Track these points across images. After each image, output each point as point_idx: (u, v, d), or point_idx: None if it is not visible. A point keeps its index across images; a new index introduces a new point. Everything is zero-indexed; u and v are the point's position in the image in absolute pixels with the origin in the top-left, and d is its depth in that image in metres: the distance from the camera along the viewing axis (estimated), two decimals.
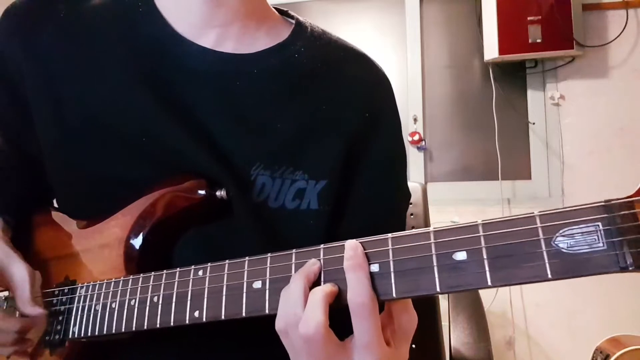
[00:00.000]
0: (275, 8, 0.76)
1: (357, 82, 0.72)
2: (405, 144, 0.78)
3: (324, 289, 0.46)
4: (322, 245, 0.48)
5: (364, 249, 0.46)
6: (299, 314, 0.45)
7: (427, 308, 1.31)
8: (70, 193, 0.70)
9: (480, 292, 2.25)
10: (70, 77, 0.67)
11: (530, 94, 2.58)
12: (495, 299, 2.41)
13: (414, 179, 2.59)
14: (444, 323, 1.32)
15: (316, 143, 0.67)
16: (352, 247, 0.46)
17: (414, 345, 1.20)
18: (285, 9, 0.78)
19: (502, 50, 2.41)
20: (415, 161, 2.65)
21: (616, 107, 2.41)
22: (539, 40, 2.37)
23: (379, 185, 0.70)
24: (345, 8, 2.79)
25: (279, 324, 0.48)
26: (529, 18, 2.37)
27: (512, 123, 2.57)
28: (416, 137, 2.62)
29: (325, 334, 0.44)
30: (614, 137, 2.40)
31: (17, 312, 0.66)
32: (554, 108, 2.53)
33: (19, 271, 0.64)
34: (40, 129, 0.69)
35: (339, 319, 0.46)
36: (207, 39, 0.68)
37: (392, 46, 2.75)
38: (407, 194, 0.76)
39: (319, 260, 0.48)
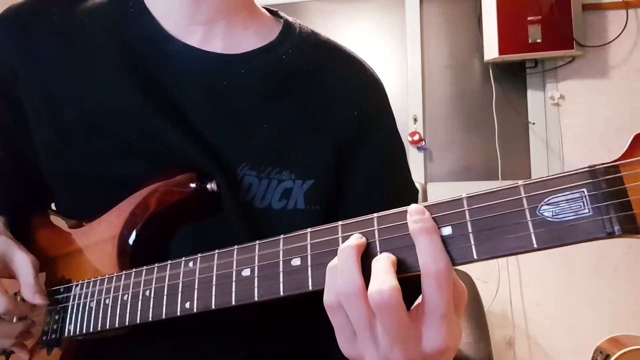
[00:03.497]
0: (265, 8, 0.77)
1: (345, 82, 0.72)
2: (405, 143, 0.77)
3: (387, 256, 0.43)
4: (308, 231, 0.48)
5: (342, 229, 0.45)
6: (358, 282, 0.42)
7: None
8: (66, 193, 0.71)
9: (480, 292, 2.25)
10: (64, 78, 0.68)
11: (530, 94, 2.57)
12: (495, 299, 2.40)
13: (414, 179, 2.58)
14: None
15: (303, 143, 0.67)
16: (418, 210, 0.43)
17: None
18: (275, 9, 0.78)
19: (502, 50, 2.41)
20: (415, 161, 2.65)
21: (616, 107, 2.41)
22: (539, 40, 2.37)
23: (377, 182, 0.70)
24: (345, 8, 2.79)
25: (329, 299, 0.45)
26: (529, 18, 2.38)
27: (512, 123, 2.57)
28: (416, 137, 2.62)
29: (401, 299, 0.41)
30: (614, 137, 2.40)
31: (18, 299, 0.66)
32: (554, 108, 2.52)
33: (22, 259, 0.65)
34: (35, 131, 0.70)
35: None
36: (195, 37, 0.68)
37: (392, 46, 2.75)
38: (413, 189, 0.75)
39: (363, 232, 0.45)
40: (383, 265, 0.42)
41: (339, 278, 0.44)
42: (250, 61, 0.69)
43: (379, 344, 0.43)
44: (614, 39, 2.43)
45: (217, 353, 0.66)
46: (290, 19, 0.76)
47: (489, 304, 2.36)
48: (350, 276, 0.43)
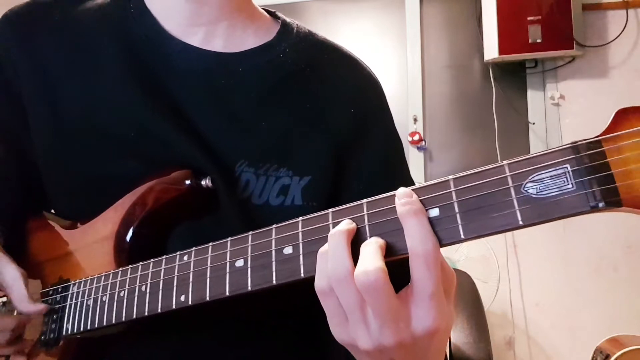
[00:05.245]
0: (263, 8, 0.77)
1: (342, 81, 0.73)
2: (405, 144, 0.77)
3: (376, 240, 0.44)
4: (299, 219, 0.48)
5: (333, 216, 0.45)
6: (348, 265, 0.43)
7: None
8: (65, 193, 0.71)
9: (480, 292, 2.25)
10: (65, 78, 0.68)
11: (530, 94, 2.58)
12: (495, 299, 2.40)
13: (414, 179, 2.58)
14: None
15: (301, 141, 0.67)
16: (405, 194, 0.43)
17: None
18: (272, 10, 0.78)
19: (502, 50, 2.41)
20: (415, 161, 2.65)
21: (616, 107, 2.38)
22: (539, 40, 2.38)
23: (377, 179, 0.70)
24: (345, 8, 2.79)
25: (320, 283, 0.45)
26: (529, 18, 2.38)
27: (512, 123, 2.57)
28: (416, 137, 2.61)
29: (387, 280, 0.41)
30: None
31: (15, 314, 0.67)
32: (554, 108, 2.52)
33: (11, 272, 0.64)
34: (35, 131, 0.70)
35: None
36: (196, 37, 0.69)
37: (392, 46, 2.76)
38: (411, 183, 0.75)
39: (351, 218, 0.46)
40: (371, 249, 0.43)
41: (329, 262, 0.44)
42: (248, 60, 0.69)
43: (370, 326, 0.43)
44: (614, 39, 2.43)
45: (217, 351, 0.66)
46: (287, 19, 0.76)
47: (489, 304, 2.35)
48: (340, 260, 0.43)
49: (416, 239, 0.41)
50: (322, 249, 0.45)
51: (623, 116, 0.33)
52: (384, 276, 0.41)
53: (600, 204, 0.33)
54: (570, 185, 0.34)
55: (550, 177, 0.35)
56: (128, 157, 0.66)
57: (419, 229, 0.41)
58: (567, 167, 0.34)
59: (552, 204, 0.35)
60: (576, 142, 0.34)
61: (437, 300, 0.42)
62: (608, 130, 0.34)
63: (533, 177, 0.36)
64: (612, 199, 0.32)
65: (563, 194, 0.34)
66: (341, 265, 0.43)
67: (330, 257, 0.44)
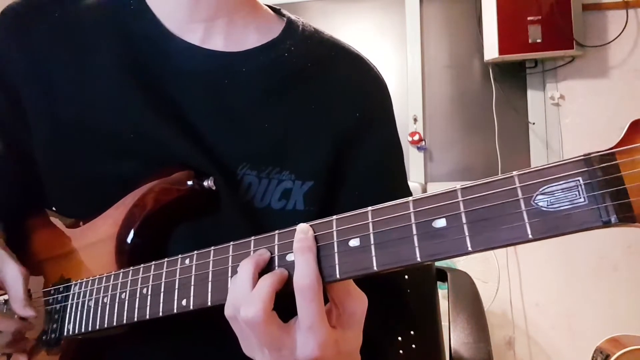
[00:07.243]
0: (268, 6, 0.76)
1: (348, 82, 0.72)
2: (405, 143, 0.77)
3: (274, 274, 0.46)
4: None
5: (337, 223, 0.45)
6: (247, 298, 0.46)
7: (426, 308, 1.29)
8: (64, 193, 0.70)
9: (481, 292, 2.23)
10: (64, 77, 0.68)
11: (530, 94, 2.57)
12: (495, 299, 2.39)
13: (414, 179, 2.58)
14: (444, 323, 1.30)
15: (304, 144, 0.67)
16: (302, 230, 0.46)
17: (414, 345, 1.19)
18: (278, 7, 0.77)
19: (502, 50, 2.40)
20: (415, 161, 2.65)
21: (616, 107, 2.41)
22: (539, 40, 2.37)
23: (376, 185, 0.70)
24: (345, 8, 2.79)
25: (227, 310, 0.48)
26: (529, 18, 2.37)
27: (512, 123, 2.57)
28: (416, 137, 2.61)
29: (264, 317, 0.45)
30: (614, 137, 2.37)
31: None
32: (554, 108, 2.52)
33: (12, 272, 0.64)
34: (34, 129, 0.69)
35: (288, 302, 0.47)
36: (195, 35, 0.68)
37: (392, 46, 2.75)
38: (407, 193, 0.75)
39: (274, 246, 0.48)
40: (263, 283, 0.46)
41: (235, 290, 0.48)
42: (252, 59, 0.68)
43: (261, 350, 0.48)
44: (614, 39, 2.43)
45: (217, 353, 0.65)
46: (292, 16, 0.75)
47: (489, 304, 2.35)
48: (240, 291, 0.47)
49: (299, 273, 0.45)
50: (233, 277, 0.48)
51: (637, 128, 0.32)
52: (261, 313, 0.45)
53: (613, 219, 0.32)
54: (582, 199, 0.33)
55: (561, 189, 0.34)
56: (127, 157, 0.65)
57: (302, 265, 0.45)
58: (579, 180, 0.34)
59: (563, 219, 0.34)
60: (589, 154, 0.33)
61: (317, 332, 0.45)
62: (622, 142, 0.33)
63: (544, 190, 0.35)
64: (626, 215, 0.31)
65: (575, 208, 0.33)
66: (241, 296, 0.47)
67: (236, 286, 0.47)
